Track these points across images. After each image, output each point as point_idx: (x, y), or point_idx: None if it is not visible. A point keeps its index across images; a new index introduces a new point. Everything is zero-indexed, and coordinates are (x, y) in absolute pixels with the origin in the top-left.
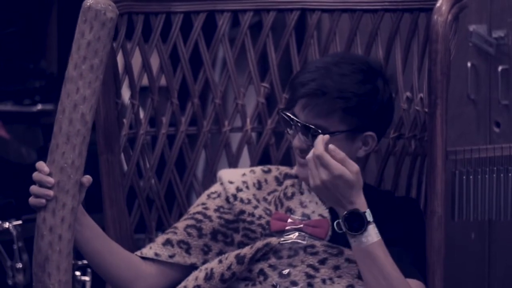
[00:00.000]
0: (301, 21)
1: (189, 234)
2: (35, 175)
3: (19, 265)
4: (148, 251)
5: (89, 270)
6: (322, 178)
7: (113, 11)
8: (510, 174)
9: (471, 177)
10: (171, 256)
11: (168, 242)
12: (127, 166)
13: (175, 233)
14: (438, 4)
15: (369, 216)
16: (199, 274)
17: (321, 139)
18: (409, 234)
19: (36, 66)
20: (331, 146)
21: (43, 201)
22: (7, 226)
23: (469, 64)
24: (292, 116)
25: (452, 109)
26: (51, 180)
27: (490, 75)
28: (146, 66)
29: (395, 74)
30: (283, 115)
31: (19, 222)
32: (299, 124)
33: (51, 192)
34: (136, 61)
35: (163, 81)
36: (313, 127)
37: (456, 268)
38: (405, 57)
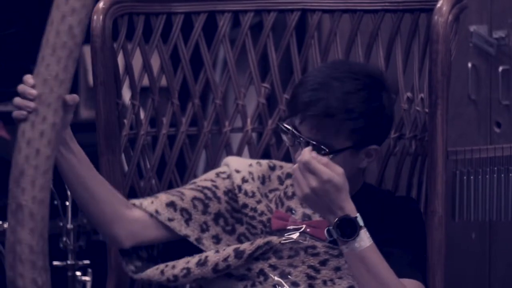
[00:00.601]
0: (302, 22)
1: (194, 206)
2: (20, 86)
3: None
4: (149, 205)
5: (89, 270)
6: (311, 185)
7: None
8: (510, 174)
9: (471, 177)
10: (170, 220)
11: (172, 204)
12: (128, 167)
13: (182, 199)
14: (438, 5)
15: (360, 221)
16: (191, 259)
17: (307, 149)
18: (409, 234)
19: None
20: (313, 153)
21: (24, 112)
22: (7, 227)
23: (469, 65)
24: (297, 133)
25: (453, 109)
26: (32, 91)
27: (490, 75)
28: (146, 66)
29: (396, 74)
30: (283, 128)
31: None
32: (303, 140)
33: (31, 104)
34: (137, 61)
35: (163, 82)
36: (320, 145)
37: (456, 268)
38: (406, 57)
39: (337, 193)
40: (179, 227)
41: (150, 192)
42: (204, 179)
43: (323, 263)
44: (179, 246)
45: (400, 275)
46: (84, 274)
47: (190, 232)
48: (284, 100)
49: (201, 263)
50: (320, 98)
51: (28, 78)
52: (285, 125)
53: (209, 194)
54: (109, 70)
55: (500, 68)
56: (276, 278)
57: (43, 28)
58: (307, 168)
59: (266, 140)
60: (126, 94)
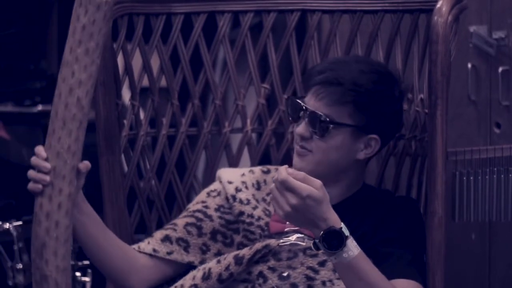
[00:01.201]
0: (302, 22)
1: (188, 232)
2: (33, 159)
3: (20, 266)
4: (146, 246)
5: (89, 270)
6: (291, 203)
7: None
8: (510, 175)
9: (471, 178)
10: (169, 253)
11: (167, 239)
12: (128, 167)
13: (175, 230)
14: (438, 5)
15: (346, 231)
16: (196, 274)
17: (283, 167)
18: (408, 234)
19: (36, 67)
20: (289, 169)
21: (40, 186)
22: (7, 227)
23: (469, 65)
24: (301, 102)
25: (453, 110)
26: (47, 165)
27: (490, 76)
28: (146, 67)
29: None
30: (292, 101)
31: (20, 223)
32: (307, 111)
33: (47, 177)
34: (137, 62)
35: (163, 82)
36: (322, 114)
37: (456, 269)
38: (406, 58)
39: (318, 206)
40: (180, 257)
41: (149, 192)
42: (196, 202)
43: (322, 264)
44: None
45: (399, 276)
46: (83, 274)
47: (192, 258)
48: (284, 101)
49: (206, 277)
50: (333, 68)
51: (41, 151)
52: (293, 98)
53: (200, 215)
54: (109, 71)
55: (500, 69)
56: (275, 280)
57: (44, 28)
58: (285, 186)
59: (266, 140)
60: (126, 95)
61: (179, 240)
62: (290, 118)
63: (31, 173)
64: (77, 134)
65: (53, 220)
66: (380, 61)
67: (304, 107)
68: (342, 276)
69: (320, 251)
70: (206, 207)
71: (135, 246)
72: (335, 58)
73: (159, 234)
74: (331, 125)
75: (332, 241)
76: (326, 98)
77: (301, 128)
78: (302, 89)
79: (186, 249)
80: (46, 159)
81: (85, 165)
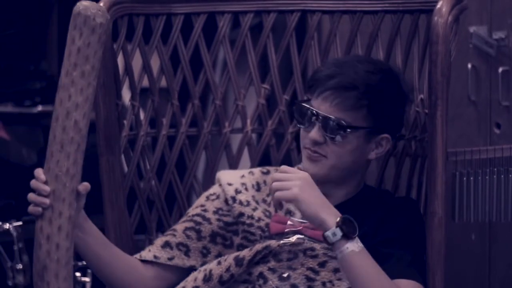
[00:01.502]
0: (302, 23)
1: (188, 237)
2: (33, 182)
3: (19, 266)
4: (147, 253)
5: (89, 271)
6: (295, 183)
7: (103, 16)
8: (510, 175)
9: (471, 178)
10: (170, 259)
11: (167, 245)
12: (128, 167)
13: (174, 235)
14: (438, 6)
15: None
16: (198, 275)
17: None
18: (408, 235)
19: (36, 67)
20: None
21: (40, 209)
22: (7, 227)
23: (469, 66)
24: (312, 108)
25: (453, 110)
26: (46, 188)
27: (490, 76)
28: (146, 67)
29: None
30: (300, 106)
31: (20, 223)
32: (320, 117)
33: (47, 201)
34: (137, 62)
35: (163, 83)
36: (337, 119)
37: (456, 269)
38: (406, 58)
39: (319, 191)
40: (181, 261)
41: (150, 193)
42: (195, 206)
43: (322, 265)
44: None
45: (399, 276)
46: (83, 275)
47: (193, 262)
48: (284, 101)
49: (207, 279)
50: (343, 71)
51: (40, 174)
52: (302, 103)
53: (199, 219)
54: (109, 71)
55: (500, 69)
56: (275, 281)
57: (44, 29)
58: (284, 171)
59: (266, 141)
60: (126, 95)
61: (179, 245)
62: (297, 123)
63: (31, 196)
64: (75, 157)
65: (53, 242)
66: (378, 58)
67: (315, 112)
68: (348, 269)
69: (320, 250)
70: (205, 210)
71: (137, 255)
72: (337, 60)
73: (159, 241)
74: (348, 130)
75: (348, 229)
76: (341, 104)
77: (314, 133)
78: (303, 91)
79: (186, 253)
80: (46, 182)
81: (85, 186)
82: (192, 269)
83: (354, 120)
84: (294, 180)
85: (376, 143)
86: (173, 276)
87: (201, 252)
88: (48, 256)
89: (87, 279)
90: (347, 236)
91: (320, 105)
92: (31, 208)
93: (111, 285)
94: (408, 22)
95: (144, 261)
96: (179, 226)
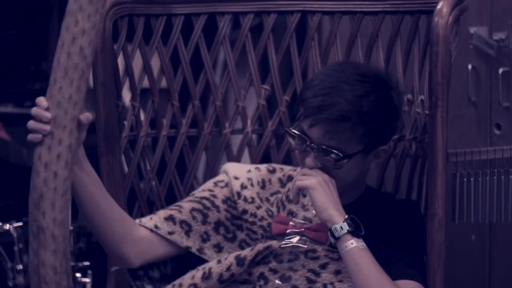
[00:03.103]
0: (302, 23)
1: (193, 217)
2: (34, 109)
3: (20, 267)
4: (148, 221)
5: (89, 272)
6: (324, 176)
7: None
8: (510, 176)
9: (471, 179)
10: (170, 233)
11: (170, 218)
12: (128, 168)
13: (180, 212)
14: (438, 6)
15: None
16: (196, 273)
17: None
18: (409, 236)
19: (37, 68)
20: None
21: (40, 136)
22: (7, 228)
23: (469, 66)
24: (307, 139)
25: (453, 111)
26: (47, 114)
27: (490, 77)
28: (146, 68)
29: (396, 76)
30: (294, 134)
31: (20, 224)
32: (315, 147)
33: (47, 127)
34: (137, 63)
35: (163, 83)
36: (334, 151)
37: (456, 270)
38: (406, 59)
39: (336, 193)
40: (180, 239)
41: (150, 193)
42: (202, 190)
43: (323, 266)
44: (190, 261)
45: (400, 277)
46: (84, 275)
47: (191, 243)
48: (284, 102)
49: (206, 277)
50: (333, 102)
51: (41, 100)
52: (293, 130)
53: (208, 204)
54: (109, 72)
55: (500, 70)
56: (276, 282)
57: (44, 29)
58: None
59: (266, 141)
60: (126, 96)
61: (182, 222)
62: (295, 150)
63: (30, 123)
64: (79, 84)
65: (51, 170)
66: (364, 64)
67: (309, 142)
68: (352, 264)
69: (321, 252)
70: (214, 196)
71: (137, 220)
72: (323, 83)
73: (163, 212)
74: (345, 160)
75: (355, 226)
76: (335, 137)
77: (310, 161)
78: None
79: (187, 233)
80: (47, 109)
81: (87, 116)
82: (186, 249)
83: (350, 147)
84: (318, 176)
85: (375, 155)
86: (166, 250)
87: (201, 236)
88: (45, 185)
89: (87, 280)
90: (353, 233)
91: (315, 135)
92: (30, 136)
93: (101, 234)
94: (408, 23)
95: (142, 227)
96: (186, 205)
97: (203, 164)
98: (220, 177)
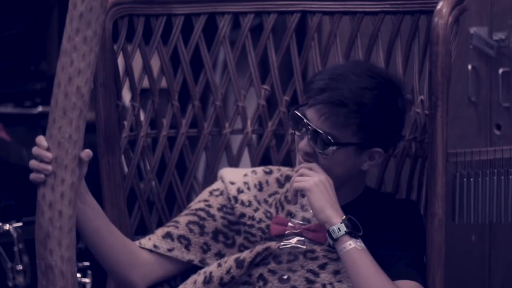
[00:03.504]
0: (302, 24)
1: (191, 231)
2: (35, 149)
3: (20, 267)
4: (147, 242)
5: (89, 272)
6: (321, 176)
7: None
8: (510, 177)
9: (471, 179)
10: (169, 250)
11: (168, 236)
12: (128, 168)
13: (177, 227)
14: (438, 7)
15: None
16: (197, 278)
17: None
18: (408, 237)
19: (37, 68)
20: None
21: (42, 176)
22: (7, 228)
23: (469, 66)
24: (305, 119)
25: (453, 111)
26: (49, 154)
27: (490, 77)
28: (146, 68)
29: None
30: (294, 114)
31: (20, 224)
32: (310, 129)
33: (49, 167)
34: (137, 63)
35: (163, 83)
36: (325, 135)
37: (456, 270)
38: (406, 59)
39: (333, 193)
40: (181, 254)
41: (150, 194)
42: (198, 201)
43: (322, 267)
44: (196, 270)
45: (400, 277)
46: (83, 276)
47: (192, 256)
48: (284, 102)
49: (207, 281)
50: (336, 87)
51: (42, 140)
52: (296, 111)
53: (203, 214)
54: (109, 72)
55: (500, 70)
56: (275, 283)
57: (44, 29)
58: (310, 168)
59: (266, 142)
60: (126, 96)
61: (180, 237)
62: (292, 129)
63: (33, 163)
64: (78, 123)
65: (56, 210)
66: (380, 67)
67: (306, 123)
68: (351, 265)
69: (320, 252)
70: (209, 206)
71: (136, 242)
72: (335, 70)
73: (160, 231)
74: (335, 147)
75: (353, 227)
76: (330, 120)
77: (303, 144)
78: (303, 92)
79: (187, 247)
80: (48, 149)
81: (87, 153)
82: (190, 263)
83: (343, 136)
84: (314, 176)
85: (369, 156)
86: (170, 267)
87: (201, 248)
88: (51, 224)
89: (87, 280)
90: (350, 234)
91: (312, 116)
92: (32, 176)
93: (107, 264)
94: (408, 23)
95: (143, 249)
96: (182, 219)
97: (203, 164)
98: (216, 185)
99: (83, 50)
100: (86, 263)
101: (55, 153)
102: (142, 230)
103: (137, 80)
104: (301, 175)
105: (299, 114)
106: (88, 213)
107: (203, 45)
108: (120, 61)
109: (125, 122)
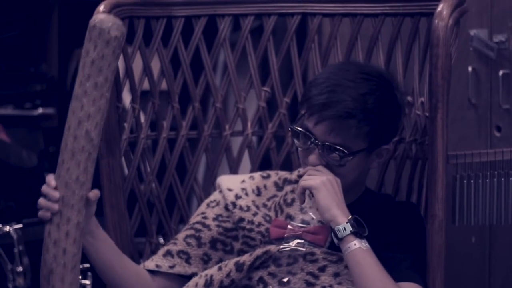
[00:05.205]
0: (302, 26)
1: (188, 244)
2: (43, 188)
3: (20, 269)
4: (149, 263)
5: (89, 273)
6: (329, 176)
7: (118, 29)
8: (510, 179)
9: (472, 181)
10: (171, 267)
11: (168, 253)
12: (128, 170)
13: (175, 243)
14: (439, 9)
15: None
16: (199, 281)
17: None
18: (408, 239)
19: (36, 69)
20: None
21: (49, 214)
22: (7, 230)
23: (470, 69)
24: (312, 136)
25: (453, 113)
26: (56, 194)
27: (491, 79)
28: (147, 70)
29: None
30: (298, 132)
31: (20, 225)
32: (319, 144)
33: (56, 206)
34: (137, 65)
35: (164, 85)
36: (337, 147)
37: (456, 272)
38: (406, 61)
39: (340, 193)
40: (183, 269)
41: (150, 195)
42: (196, 214)
43: (322, 269)
44: None
45: (400, 279)
46: (84, 277)
47: (195, 269)
48: (284, 104)
49: (208, 284)
50: (339, 99)
51: (50, 180)
52: (298, 128)
53: (199, 226)
54: None
55: (500, 72)
56: (275, 286)
57: (44, 31)
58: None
59: (266, 143)
60: (127, 98)
61: (179, 252)
62: (298, 148)
63: (41, 201)
64: (86, 165)
65: (60, 247)
66: (365, 63)
67: (314, 139)
68: (354, 265)
69: (320, 254)
70: (205, 217)
71: (141, 265)
72: (329, 81)
73: (161, 250)
74: (349, 157)
75: (359, 227)
76: (341, 134)
77: (314, 159)
78: (300, 106)
79: (187, 261)
80: (56, 188)
81: (95, 194)
82: (195, 275)
83: (355, 145)
84: (322, 176)
85: (377, 154)
86: (178, 285)
87: (202, 259)
88: (54, 260)
89: (87, 281)
90: (356, 233)
91: (321, 133)
92: (40, 213)
93: None
94: (408, 25)
95: (150, 271)
96: (180, 235)
97: (203, 166)
98: (213, 196)
99: (93, 96)
100: (86, 265)
101: (62, 192)
102: (142, 232)
103: (137, 82)
104: (310, 174)
105: (304, 131)
106: (99, 247)
107: (203, 47)
108: (121, 63)
109: (125, 124)
